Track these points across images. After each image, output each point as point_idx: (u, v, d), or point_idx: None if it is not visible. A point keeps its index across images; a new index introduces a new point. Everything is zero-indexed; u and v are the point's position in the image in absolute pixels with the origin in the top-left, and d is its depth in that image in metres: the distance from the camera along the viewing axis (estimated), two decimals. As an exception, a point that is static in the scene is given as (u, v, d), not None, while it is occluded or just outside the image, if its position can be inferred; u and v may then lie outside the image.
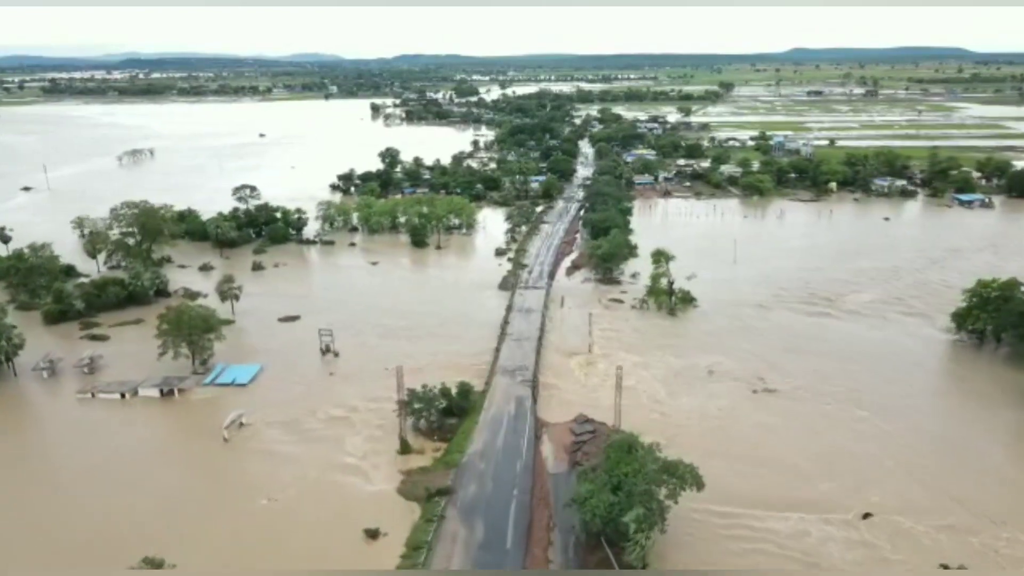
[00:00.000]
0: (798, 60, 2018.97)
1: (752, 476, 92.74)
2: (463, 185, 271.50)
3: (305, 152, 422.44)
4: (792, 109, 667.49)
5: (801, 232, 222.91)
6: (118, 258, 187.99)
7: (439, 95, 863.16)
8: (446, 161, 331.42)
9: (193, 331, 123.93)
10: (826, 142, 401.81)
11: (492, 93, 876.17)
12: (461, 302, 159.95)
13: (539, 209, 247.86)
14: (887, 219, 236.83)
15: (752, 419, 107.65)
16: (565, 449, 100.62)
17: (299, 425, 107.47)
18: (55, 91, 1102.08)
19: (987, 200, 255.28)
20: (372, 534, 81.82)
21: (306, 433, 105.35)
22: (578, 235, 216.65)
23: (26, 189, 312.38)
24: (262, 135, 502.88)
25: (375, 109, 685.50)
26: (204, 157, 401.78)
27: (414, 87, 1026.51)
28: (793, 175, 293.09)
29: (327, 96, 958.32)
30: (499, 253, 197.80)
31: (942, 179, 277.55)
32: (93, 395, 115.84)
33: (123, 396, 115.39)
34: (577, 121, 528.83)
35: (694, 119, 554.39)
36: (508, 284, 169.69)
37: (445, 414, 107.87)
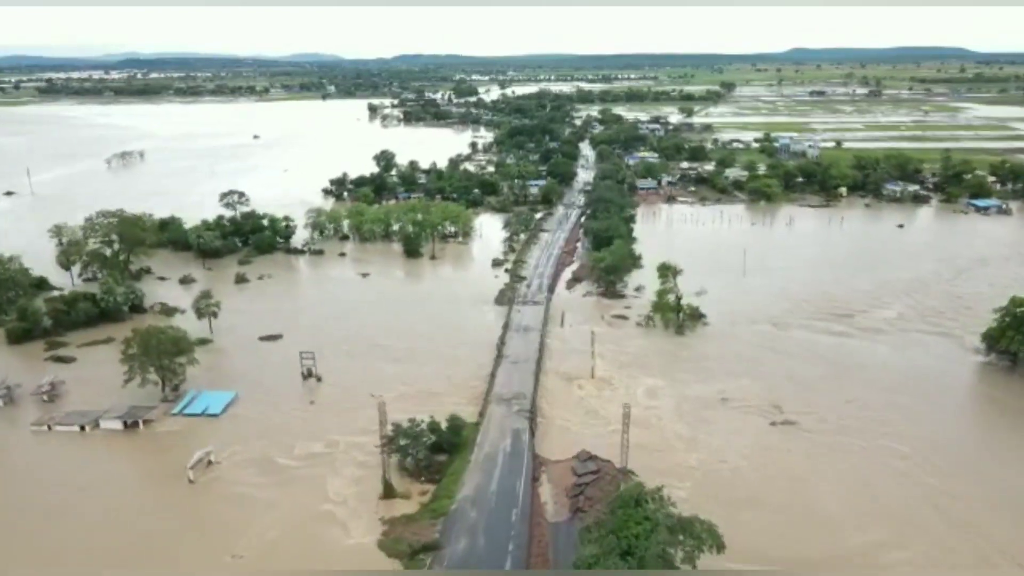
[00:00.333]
0: (798, 60, 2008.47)
1: (777, 528, 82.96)
2: (460, 190, 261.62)
3: (299, 154, 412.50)
4: (795, 109, 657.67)
5: (812, 240, 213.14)
6: (94, 269, 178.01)
7: (438, 95, 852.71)
8: (443, 164, 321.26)
9: (163, 355, 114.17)
10: (832, 143, 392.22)
11: (491, 93, 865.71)
12: (455, 319, 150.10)
13: (538, 215, 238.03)
14: (901, 226, 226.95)
15: (772, 458, 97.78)
16: (566, 492, 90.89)
17: (274, 464, 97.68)
18: (51, 91, 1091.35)
19: (1004, 206, 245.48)
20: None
21: (281, 473, 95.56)
22: (579, 244, 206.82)
23: (9, 194, 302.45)
24: (256, 136, 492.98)
25: (372, 110, 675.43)
26: (195, 159, 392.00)
27: (413, 87, 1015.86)
28: (801, 179, 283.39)
29: (325, 96, 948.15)
30: (496, 264, 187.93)
31: (956, 183, 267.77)
32: (50, 427, 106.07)
33: (83, 428, 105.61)
34: (577, 122, 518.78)
35: (696, 120, 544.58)
36: (505, 299, 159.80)
37: (434, 449, 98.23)
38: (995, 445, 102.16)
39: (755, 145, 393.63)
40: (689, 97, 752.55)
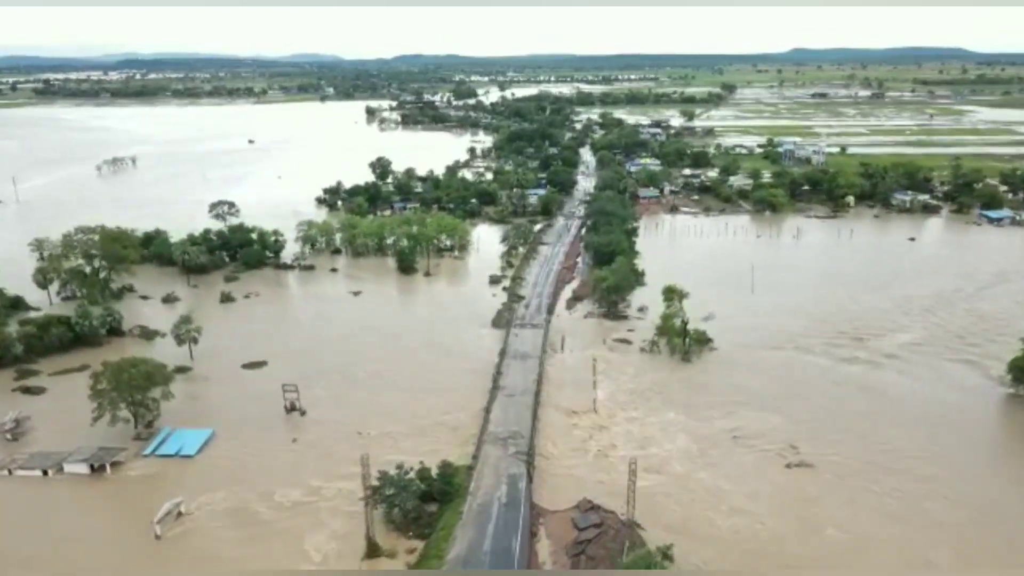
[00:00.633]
0: (799, 60, 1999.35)
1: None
2: (457, 200, 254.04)
3: (294, 159, 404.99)
4: (797, 112, 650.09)
5: (821, 254, 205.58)
6: (73, 288, 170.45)
7: (437, 97, 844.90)
8: (440, 171, 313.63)
9: (135, 390, 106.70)
10: (837, 149, 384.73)
11: (491, 95, 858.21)
12: (449, 344, 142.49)
13: (537, 227, 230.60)
14: (912, 239, 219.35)
15: (792, 509, 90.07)
16: (566, 549, 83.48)
17: (250, 514, 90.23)
18: (47, 93, 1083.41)
19: (1018, 217, 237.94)
20: None
21: (257, 526, 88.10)
22: (579, 259, 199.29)
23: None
24: (251, 141, 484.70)
25: (370, 112, 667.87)
26: (188, 165, 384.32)
27: (411, 89, 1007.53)
28: (807, 187, 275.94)
29: (323, 98, 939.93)
30: (493, 281, 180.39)
31: (967, 193, 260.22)
32: (10, 471, 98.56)
33: (45, 473, 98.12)
34: (577, 126, 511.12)
35: (698, 123, 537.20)
36: (503, 320, 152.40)
37: (424, 498, 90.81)
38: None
39: (758, 150, 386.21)
40: (690, 99, 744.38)
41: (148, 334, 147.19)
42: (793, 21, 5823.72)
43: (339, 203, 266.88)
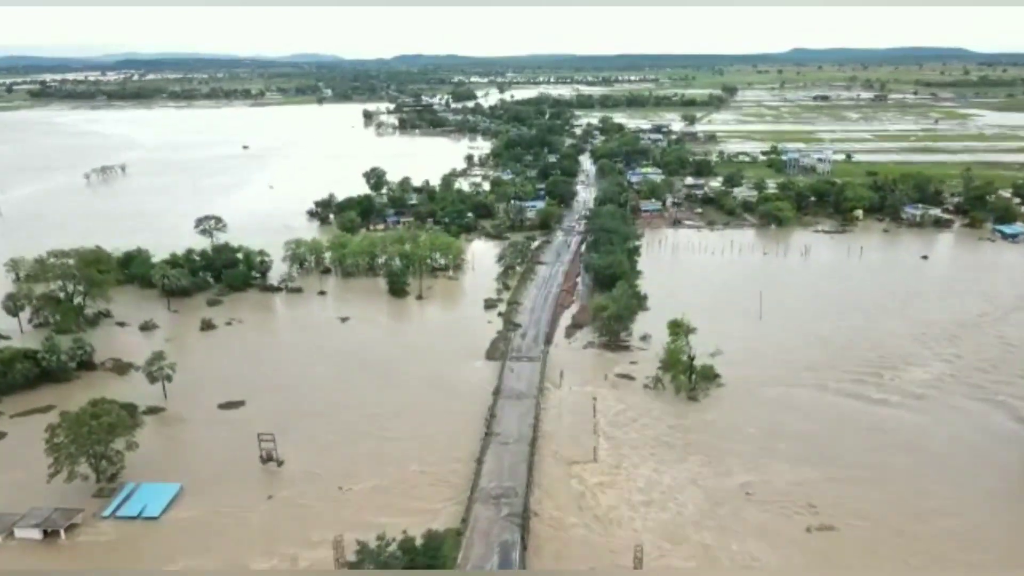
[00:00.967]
0: (799, 60, 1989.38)
1: None
2: (452, 214, 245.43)
3: (288, 167, 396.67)
4: (800, 116, 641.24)
5: (831, 273, 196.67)
6: (45, 314, 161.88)
7: (435, 99, 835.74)
8: (436, 180, 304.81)
9: (96, 443, 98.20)
10: (842, 156, 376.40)
11: (490, 98, 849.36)
12: (440, 380, 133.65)
13: (535, 244, 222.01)
14: (925, 257, 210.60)
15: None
16: (564, 636, 75.14)
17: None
18: (43, 95, 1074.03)
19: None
20: None
21: (221, 606, 79.83)
22: (579, 280, 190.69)
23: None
24: (246, 147, 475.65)
25: (368, 116, 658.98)
26: (179, 173, 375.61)
27: (410, 90, 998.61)
28: (813, 199, 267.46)
29: (320, 100, 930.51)
30: (489, 306, 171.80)
31: (980, 206, 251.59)
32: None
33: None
34: (577, 131, 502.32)
35: (699, 128, 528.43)
36: (498, 352, 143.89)
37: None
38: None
39: (762, 158, 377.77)
40: (691, 102, 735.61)
41: (121, 368, 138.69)
42: (793, 21, 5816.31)
43: (331, 216, 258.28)
